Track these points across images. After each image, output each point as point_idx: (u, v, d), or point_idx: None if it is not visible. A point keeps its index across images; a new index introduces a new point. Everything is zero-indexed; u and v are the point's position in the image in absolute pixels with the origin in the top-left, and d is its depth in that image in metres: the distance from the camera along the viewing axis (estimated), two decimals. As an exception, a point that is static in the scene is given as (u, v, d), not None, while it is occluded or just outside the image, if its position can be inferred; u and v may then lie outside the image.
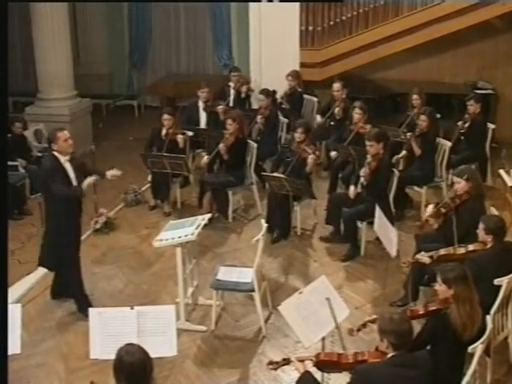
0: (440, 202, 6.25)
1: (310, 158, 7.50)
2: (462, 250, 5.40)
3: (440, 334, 4.40)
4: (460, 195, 6.01)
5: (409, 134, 8.27)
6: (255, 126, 9.28)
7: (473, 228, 5.41)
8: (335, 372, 4.44)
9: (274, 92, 9.75)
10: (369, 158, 7.02)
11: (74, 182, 6.11)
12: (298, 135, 7.68)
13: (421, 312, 4.59)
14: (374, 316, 4.64)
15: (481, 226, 5.31)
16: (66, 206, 6.06)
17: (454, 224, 5.65)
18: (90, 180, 6.21)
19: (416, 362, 3.90)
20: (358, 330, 4.68)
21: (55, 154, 6.06)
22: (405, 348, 3.87)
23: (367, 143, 7.09)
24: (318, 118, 9.82)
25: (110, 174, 6.55)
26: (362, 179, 7.11)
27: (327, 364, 4.26)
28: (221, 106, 9.42)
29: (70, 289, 6.31)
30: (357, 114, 8.39)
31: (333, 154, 8.70)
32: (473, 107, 8.71)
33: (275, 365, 4.36)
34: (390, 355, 3.88)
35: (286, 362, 4.35)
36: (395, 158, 8.37)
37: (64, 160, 6.06)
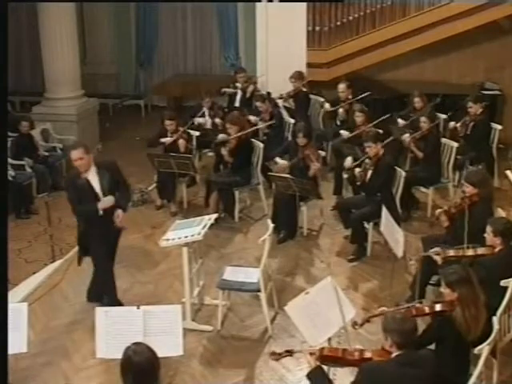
0: (449, 207, 6.23)
1: (313, 165, 7.53)
2: (470, 252, 5.39)
3: (444, 335, 4.42)
4: (470, 197, 6.02)
5: (407, 137, 8.20)
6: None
7: (482, 230, 5.39)
8: (336, 366, 4.47)
9: (269, 94, 9.75)
10: (367, 160, 7.10)
11: (101, 195, 5.80)
12: (300, 140, 7.70)
13: (426, 311, 4.60)
14: (379, 310, 4.67)
15: (488, 229, 5.30)
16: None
17: (463, 224, 5.64)
18: (107, 202, 5.79)
19: (421, 361, 3.90)
20: (362, 324, 4.72)
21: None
22: (409, 347, 3.86)
23: (365, 145, 7.18)
24: (327, 106, 9.77)
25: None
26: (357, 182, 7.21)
27: (330, 359, 4.27)
28: (217, 119, 9.46)
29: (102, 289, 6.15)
30: (358, 118, 8.43)
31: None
32: (472, 109, 8.62)
33: (277, 356, 4.37)
34: (394, 354, 3.88)
35: (289, 353, 4.37)
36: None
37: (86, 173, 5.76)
